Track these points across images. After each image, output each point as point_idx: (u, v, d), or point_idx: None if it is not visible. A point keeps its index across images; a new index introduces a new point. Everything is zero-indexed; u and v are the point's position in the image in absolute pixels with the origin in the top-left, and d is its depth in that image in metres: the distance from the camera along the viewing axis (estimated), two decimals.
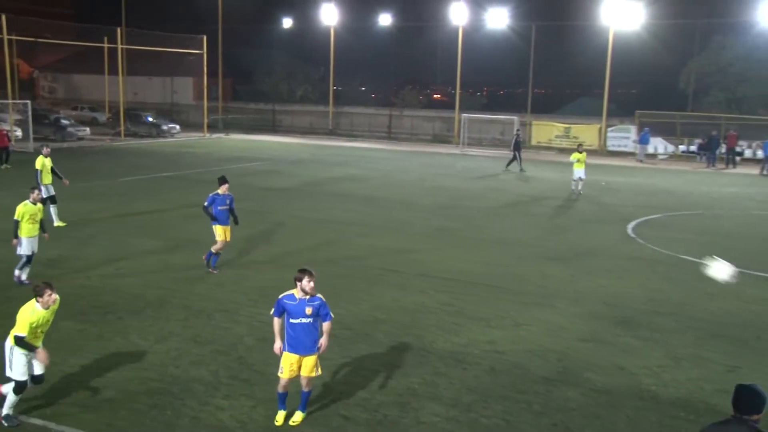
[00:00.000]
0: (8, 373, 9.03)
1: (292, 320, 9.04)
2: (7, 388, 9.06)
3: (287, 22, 64.35)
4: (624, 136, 49.14)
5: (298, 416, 9.40)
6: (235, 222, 16.27)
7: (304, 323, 9.05)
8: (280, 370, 9.20)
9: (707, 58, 52.21)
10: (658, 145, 47.60)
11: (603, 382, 10.89)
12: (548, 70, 58.18)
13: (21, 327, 8.80)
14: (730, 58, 50.98)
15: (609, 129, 49.81)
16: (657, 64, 55.05)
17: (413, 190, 29.82)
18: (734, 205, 28.65)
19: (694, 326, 13.54)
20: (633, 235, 21.89)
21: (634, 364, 11.64)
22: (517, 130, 42.39)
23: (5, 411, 9.09)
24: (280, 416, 9.38)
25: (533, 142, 51.27)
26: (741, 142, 44.14)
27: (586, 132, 49.97)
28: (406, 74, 67.28)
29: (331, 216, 23.62)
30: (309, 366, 9.18)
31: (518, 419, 9.65)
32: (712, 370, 11.50)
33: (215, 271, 16.07)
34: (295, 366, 9.14)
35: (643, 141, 46.14)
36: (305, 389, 9.34)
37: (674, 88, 54.13)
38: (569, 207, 26.88)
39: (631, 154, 46.86)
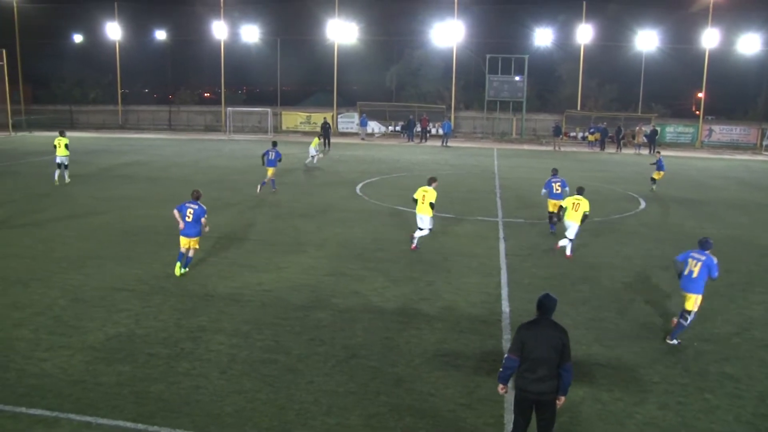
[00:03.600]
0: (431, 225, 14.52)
1: None
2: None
3: (78, 38, 58.07)
4: (350, 121, 50.55)
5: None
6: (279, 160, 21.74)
7: None
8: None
9: (403, 64, 55.21)
10: (374, 126, 49.63)
11: (344, 304, 11.22)
12: (292, 72, 58.03)
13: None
14: (417, 65, 54.32)
15: (339, 115, 50.93)
16: (370, 67, 57.06)
17: (190, 170, 28.23)
18: (426, 168, 30.65)
19: (404, 257, 14.38)
20: (360, 194, 22.65)
21: (365, 288, 12.11)
22: (324, 118, 42.85)
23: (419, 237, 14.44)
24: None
25: (283, 128, 51.07)
26: (430, 124, 47.43)
27: (322, 119, 50.64)
28: (181, 77, 63.58)
29: (122, 194, 21.77)
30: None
31: (284, 339, 9.66)
32: (417, 286, 12.32)
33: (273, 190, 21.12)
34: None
35: (363, 124, 47.86)
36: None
37: (383, 84, 56.59)
38: (312, 175, 27.10)
39: (356, 134, 48.40)
